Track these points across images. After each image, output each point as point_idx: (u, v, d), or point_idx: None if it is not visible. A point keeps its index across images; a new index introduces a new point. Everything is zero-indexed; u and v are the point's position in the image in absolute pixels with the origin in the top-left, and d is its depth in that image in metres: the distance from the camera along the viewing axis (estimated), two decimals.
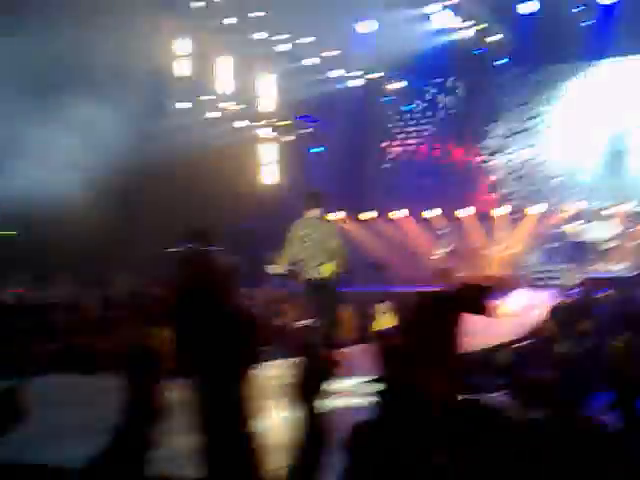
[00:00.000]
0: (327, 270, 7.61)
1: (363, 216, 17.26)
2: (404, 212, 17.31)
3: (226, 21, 14.86)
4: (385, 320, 10.31)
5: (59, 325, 9.97)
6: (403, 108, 18.05)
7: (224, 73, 16.35)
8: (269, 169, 17.81)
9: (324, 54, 16.14)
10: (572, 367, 7.93)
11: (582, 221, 15.15)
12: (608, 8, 15.08)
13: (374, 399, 2.95)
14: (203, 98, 15.79)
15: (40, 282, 12.27)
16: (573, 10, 15.26)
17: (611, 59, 16.03)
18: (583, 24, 15.38)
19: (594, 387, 7.74)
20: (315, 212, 7.81)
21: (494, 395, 5.78)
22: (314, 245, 7.62)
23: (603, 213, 14.50)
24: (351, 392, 6.13)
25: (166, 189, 13.91)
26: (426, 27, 15.98)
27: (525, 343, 8.70)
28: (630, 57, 15.82)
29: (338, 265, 7.68)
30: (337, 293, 7.90)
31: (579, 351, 8.08)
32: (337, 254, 7.69)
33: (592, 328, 8.59)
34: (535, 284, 13.32)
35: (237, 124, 16.47)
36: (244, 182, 16.23)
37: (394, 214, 17.34)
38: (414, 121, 18.10)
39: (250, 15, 14.74)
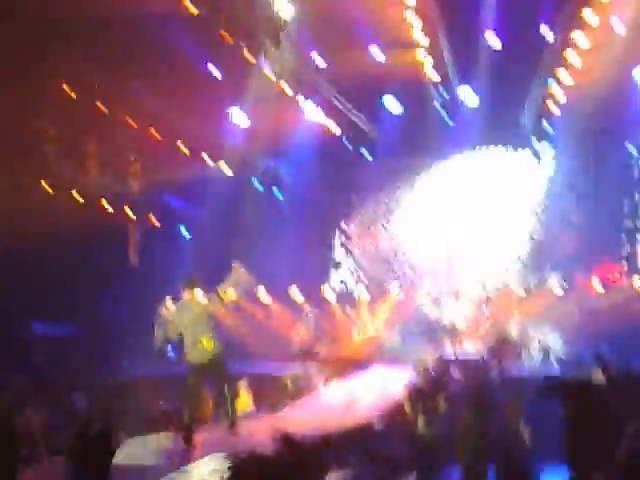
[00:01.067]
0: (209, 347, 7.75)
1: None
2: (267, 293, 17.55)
3: None
4: (243, 401, 10.34)
5: None
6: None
7: None
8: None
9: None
10: (425, 445, 8.28)
11: (439, 304, 15.99)
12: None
13: None
14: None
15: None
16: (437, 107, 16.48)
17: (466, 153, 17.52)
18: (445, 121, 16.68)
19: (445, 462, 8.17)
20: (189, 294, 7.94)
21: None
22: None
23: (456, 297, 15.30)
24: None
25: None
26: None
27: (380, 423, 8.97)
28: (482, 151, 17.38)
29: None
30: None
31: (432, 429, 8.47)
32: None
33: (444, 407, 9.03)
34: (392, 362, 13.75)
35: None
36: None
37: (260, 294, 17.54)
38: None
39: None
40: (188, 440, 7.85)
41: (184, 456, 7.63)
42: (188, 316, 7.95)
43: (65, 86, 13.39)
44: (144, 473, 6.85)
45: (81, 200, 15.18)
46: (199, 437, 8.26)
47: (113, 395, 10.95)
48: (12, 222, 12.26)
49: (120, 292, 15.79)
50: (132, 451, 7.92)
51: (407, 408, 8.97)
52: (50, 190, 14.61)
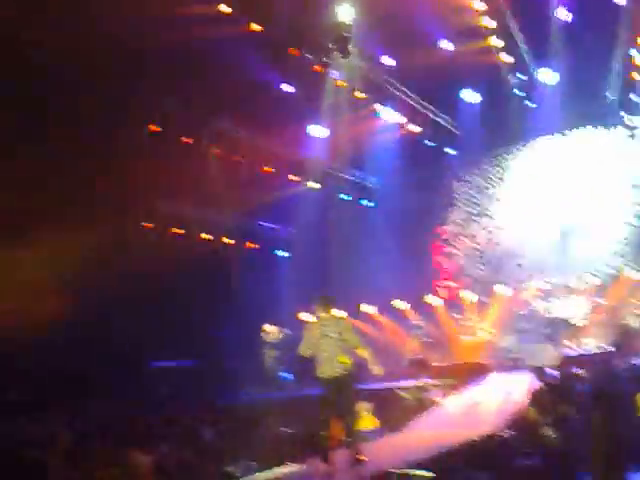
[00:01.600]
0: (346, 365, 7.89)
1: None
2: (373, 307, 17.62)
3: None
4: (367, 420, 10.37)
5: None
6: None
7: None
8: None
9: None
10: (557, 452, 8.02)
11: (551, 299, 15.52)
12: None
13: None
14: None
15: None
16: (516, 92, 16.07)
17: (553, 136, 16.96)
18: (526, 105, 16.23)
19: (580, 469, 7.87)
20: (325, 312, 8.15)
21: None
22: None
23: (568, 289, 14.76)
24: None
25: None
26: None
27: (507, 432, 8.75)
28: (570, 132, 16.75)
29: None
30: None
31: (562, 435, 8.20)
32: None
33: (572, 410, 8.73)
34: (511, 366, 13.42)
35: None
36: None
37: (366, 309, 17.61)
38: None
39: None
40: (327, 461, 7.93)
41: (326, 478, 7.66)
42: (326, 334, 8.08)
43: (152, 124, 13.83)
44: None
45: (182, 232, 15.75)
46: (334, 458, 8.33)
47: (239, 426, 11.19)
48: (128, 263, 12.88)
49: (228, 320, 16.22)
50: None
51: (532, 414, 8.72)
52: (151, 226, 15.17)
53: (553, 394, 8.89)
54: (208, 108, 14.08)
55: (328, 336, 8.00)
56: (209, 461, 9.46)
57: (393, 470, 6.83)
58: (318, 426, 10.33)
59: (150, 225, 15.16)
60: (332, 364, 7.91)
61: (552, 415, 8.56)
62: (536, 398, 8.85)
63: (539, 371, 9.11)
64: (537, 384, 10.51)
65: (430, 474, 6.59)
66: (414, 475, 6.57)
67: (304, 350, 8.09)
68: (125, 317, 13.31)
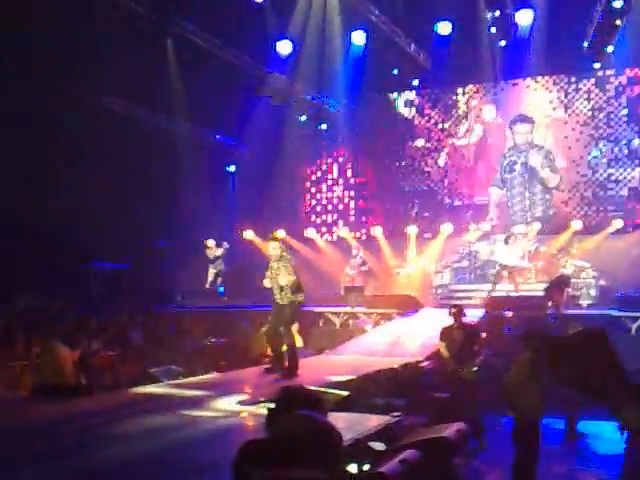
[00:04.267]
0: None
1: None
2: (312, 231, 18.07)
3: None
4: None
5: None
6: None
7: None
8: None
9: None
10: (466, 389, 8.48)
11: (491, 241, 16.07)
12: None
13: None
14: None
15: None
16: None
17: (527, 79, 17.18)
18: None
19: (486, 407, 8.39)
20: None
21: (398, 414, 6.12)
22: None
23: (511, 233, 15.28)
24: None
25: None
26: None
27: (426, 363, 9.24)
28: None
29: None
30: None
31: (474, 372, 8.66)
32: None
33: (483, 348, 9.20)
34: (443, 303, 13.93)
35: None
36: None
37: (307, 232, 18.01)
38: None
39: None
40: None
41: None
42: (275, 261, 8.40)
43: None
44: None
45: None
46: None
47: (168, 332, 11.52)
48: None
49: (170, 230, 16.37)
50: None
51: (444, 350, 9.04)
52: None
53: (468, 333, 9.11)
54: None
55: (281, 261, 8.34)
56: (134, 361, 9.79)
57: (310, 387, 7.14)
58: (247, 339, 10.73)
59: None
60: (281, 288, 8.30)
61: (467, 353, 8.91)
62: (448, 335, 9.09)
63: (459, 309, 9.38)
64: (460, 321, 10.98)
65: (345, 393, 6.95)
66: (331, 394, 6.89)
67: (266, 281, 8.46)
68: (66, 211, 13.35)
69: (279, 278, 8.33)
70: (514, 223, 16.44)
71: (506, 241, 14.66)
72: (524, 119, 17.18)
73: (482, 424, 8.22)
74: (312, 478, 2.65)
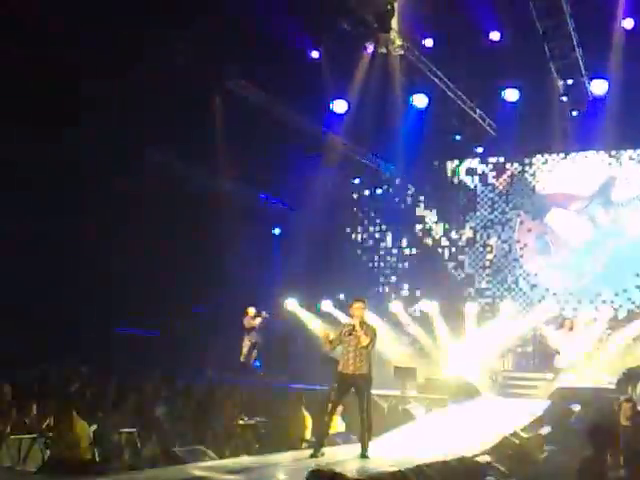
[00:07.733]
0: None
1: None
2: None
3: None
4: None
5: None
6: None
7: None
8: None
9: None
10: None
11: (556, 326, 15.36)
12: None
13: None
14: None
15: None
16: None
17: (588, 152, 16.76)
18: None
19: None
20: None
21: None
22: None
23: (578, 319, 14.67)
24: None
25: None
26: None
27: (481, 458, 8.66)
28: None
29: None
30: None
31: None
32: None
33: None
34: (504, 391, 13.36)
35: None
36: None
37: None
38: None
39: None
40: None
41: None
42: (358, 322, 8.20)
43: None
44: None
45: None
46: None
47: (196, 407, 11.06)
48: None
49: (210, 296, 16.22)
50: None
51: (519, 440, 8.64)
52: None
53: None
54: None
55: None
56: (156, 439, 9.33)
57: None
58: (284, 420, 10.21)
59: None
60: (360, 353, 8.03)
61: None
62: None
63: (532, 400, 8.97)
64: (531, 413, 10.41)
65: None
66: None
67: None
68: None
69: (361, 339, 8.02)
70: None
71: (571, 327, 14.04)
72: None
73: None
74: None
